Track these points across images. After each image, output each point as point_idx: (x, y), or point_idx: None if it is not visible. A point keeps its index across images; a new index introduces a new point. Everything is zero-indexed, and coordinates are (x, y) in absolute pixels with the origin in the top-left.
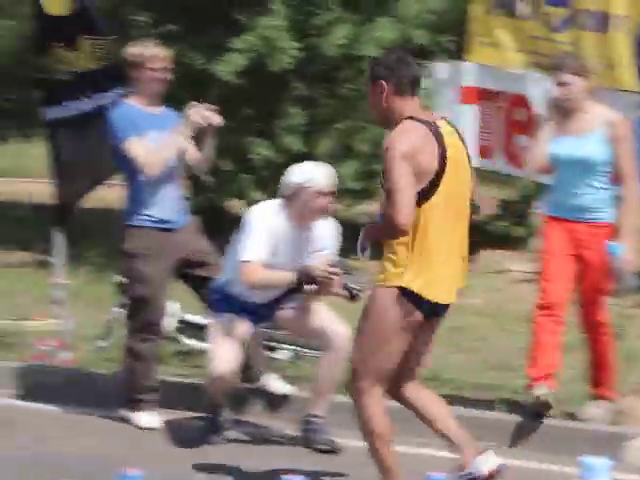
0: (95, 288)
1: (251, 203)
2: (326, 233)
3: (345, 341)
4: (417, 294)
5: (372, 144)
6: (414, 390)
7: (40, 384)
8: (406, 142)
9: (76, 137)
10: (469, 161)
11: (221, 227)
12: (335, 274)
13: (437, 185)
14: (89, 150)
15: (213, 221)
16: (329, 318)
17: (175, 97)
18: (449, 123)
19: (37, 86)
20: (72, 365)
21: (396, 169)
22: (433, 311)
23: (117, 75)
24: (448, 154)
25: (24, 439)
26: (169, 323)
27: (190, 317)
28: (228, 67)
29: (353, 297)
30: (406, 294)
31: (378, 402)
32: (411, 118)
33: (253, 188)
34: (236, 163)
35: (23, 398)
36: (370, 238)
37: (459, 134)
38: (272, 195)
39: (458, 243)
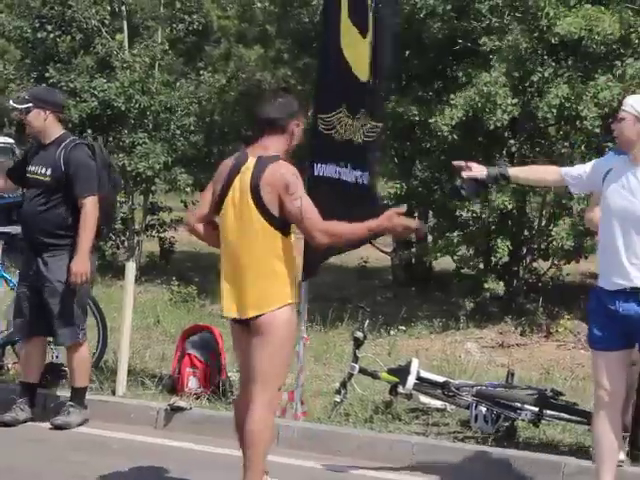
0: (323, 342)
1: (458, 260)
2: None
3: None
4: None
5: (584, 201)
6: None
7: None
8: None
9: (332, 199)
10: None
11: (427, 283)
12: None
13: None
14: (344, 212)
15: (419, 275)
16: None
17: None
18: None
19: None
20: (306, 419)
21: None
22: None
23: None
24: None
25: None
26: (409, 380)
27: (428, 375)
28: (446, 120)
29: None
30: None
31: None
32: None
33: (460, 244)
34: (444, 218)
35: None
36: None
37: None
38: (478, 251)
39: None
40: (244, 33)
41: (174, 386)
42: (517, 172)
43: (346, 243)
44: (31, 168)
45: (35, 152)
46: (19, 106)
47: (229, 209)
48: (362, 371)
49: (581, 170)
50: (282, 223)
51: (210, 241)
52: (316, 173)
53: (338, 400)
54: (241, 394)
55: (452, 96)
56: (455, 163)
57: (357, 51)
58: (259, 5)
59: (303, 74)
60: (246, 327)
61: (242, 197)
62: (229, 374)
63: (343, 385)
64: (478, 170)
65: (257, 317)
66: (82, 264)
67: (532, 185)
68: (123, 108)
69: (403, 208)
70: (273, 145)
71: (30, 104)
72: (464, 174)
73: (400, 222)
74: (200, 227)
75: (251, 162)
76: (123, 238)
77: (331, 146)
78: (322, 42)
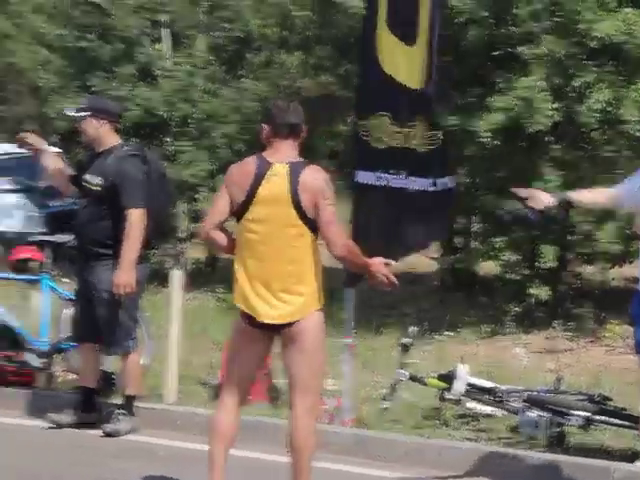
0: (369, 348)
1: (503, 264)
2: None
3: None
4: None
5: None
6: None
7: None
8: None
9: (381, 206)
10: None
11: (472, 288)
12: None
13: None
14: (394, 223)
15: (465, 281)
16: None
17: None
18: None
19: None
20: (354, 425)
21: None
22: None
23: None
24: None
25: None
26: (458, 386)
27: (476, 380)
28: (487, 125)
29: None
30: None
31: None
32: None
33: (504, 249)
34: (488, 223)
35: None
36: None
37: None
38: (524, 256)
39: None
40: (285, 39)
41: None
42: (578, 196)
43: (350, 266)
44: (85, 176)
45: (90, 161)
46: (75, 114)
47: (257, 215)
48: (410, 377)
49: (623, 187)
50: (315, 228)
51: (226, 248)
52: (359, 180)
53: (386, 406)
54: (231, 395)
55: (491, 99)
56: (515, 190)
57: (399, 59)
58: (298, 13)
59: (344, 80)
60: (269, 332)
61: (274, 203)
62: (275, 381)
63: (391, 391)
64: (541, 198)
65: (293, 323)
66: (125, 275)
67: (593, 208)
68: (165, 116)
69: (392, 262)
70: (289, 150)
71: (86, 112)
72: (530, 204)
73: (385, 272)
74: (217, 234)
75: (279, 168)
76: (169, 246)
77: (374, 153)
78: (358, 51)
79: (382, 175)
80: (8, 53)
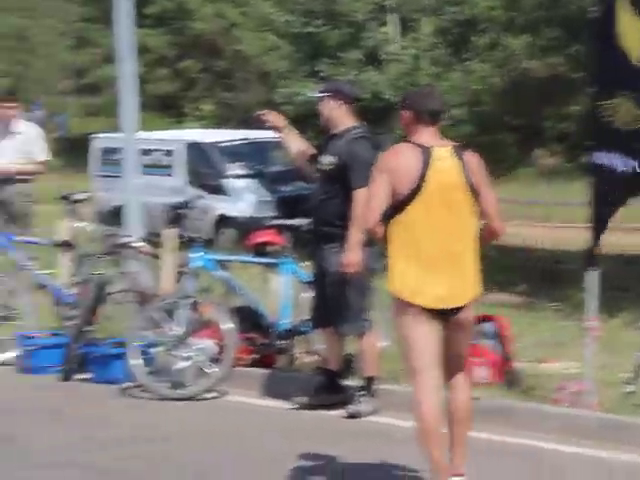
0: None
1: None
2: None
3: None
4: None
5: None
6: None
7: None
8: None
9: (620, 189)
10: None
11: None
12: None
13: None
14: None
15: None
16: None
17: None
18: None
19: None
20: (597, 409)
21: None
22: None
23: None
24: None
25: None
26: None
27: None
28: None
29: None
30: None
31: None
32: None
33: None
34: None
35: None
36: None
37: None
38: None
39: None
40: (512, 21)
41: None
42: None
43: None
44: (320, 157)
45: (326, 143)
46: (313, 95)
47: (429, 201)
48: None
49: None
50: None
51: (383, 239)
52: (596, 161)
53: (630, 390)
54: (436, 377)
55: None
56: None
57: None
58: None
59: (574, 61)
60: (443, 316)
61: (447, 187)
62: (516, 364)
63: (635, 375)
64: None
65: (464, 306)
66: (352, 255)
67: None
68: (391, 100)
69: None
70: (433, 136)
71: (324, 94)
72: None
73: None
74: (381, 227)
75: (442, 152)
76: None
77: (614, 134)
78: (594, 29)
79: (621, 157)
80: (236, 40)
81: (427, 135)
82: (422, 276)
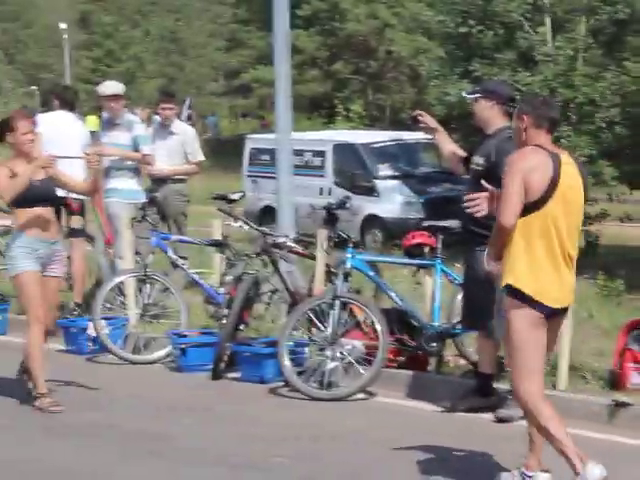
0: None
1: None
2: None
3: None
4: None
5: None
6: None
7: None
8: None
9: None
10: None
11: None
12: None
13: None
14: None
15: None
16: None
17: None
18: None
19: None
20: None
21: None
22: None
23: None
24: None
25: None
26: None
27: None
28: None
29: None
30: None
31: None
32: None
33: None
34: None
35: None
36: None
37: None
38: None
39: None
40: None
41: (615, 381)
42: None
43: None
44: (473, 158)
45: (480, 143)
46: (467, 95)
47: (559, 203)
48: None
49: None
50: None
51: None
52: None
53: None
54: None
55: None
56: None
57: None
58: None
59: None
60: (553, 316)
61: (571, 191)
62: None
63: None
64: None
65: (567, 307)
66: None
67: None
68: None
69: None
70: (550, 143)
71: (477, 94)
72: None
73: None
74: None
75: (566, 158)
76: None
77: None
78: None
79: None
80: (388, 42)
81: (547, 141)
82: (543, 276)
